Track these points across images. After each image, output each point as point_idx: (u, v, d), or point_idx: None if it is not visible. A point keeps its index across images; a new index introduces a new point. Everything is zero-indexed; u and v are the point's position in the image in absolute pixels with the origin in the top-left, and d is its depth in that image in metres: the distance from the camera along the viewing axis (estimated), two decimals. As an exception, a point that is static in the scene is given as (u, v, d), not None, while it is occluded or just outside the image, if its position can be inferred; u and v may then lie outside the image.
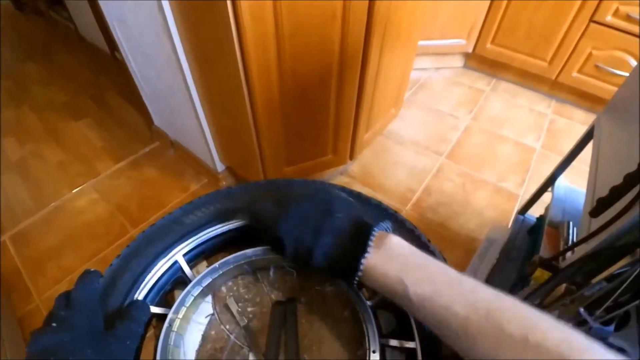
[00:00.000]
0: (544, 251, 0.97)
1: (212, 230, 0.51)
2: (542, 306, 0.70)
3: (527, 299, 0.73)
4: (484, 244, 1.24)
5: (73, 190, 1.59)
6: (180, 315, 0.43)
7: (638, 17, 1.60)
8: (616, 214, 0.54)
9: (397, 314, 0.46)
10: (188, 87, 1.21)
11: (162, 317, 0.44)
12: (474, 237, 1.42)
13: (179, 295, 0.44)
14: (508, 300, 0.30)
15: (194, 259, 0.51)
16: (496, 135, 1.87)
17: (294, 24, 0.94)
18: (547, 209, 1.11)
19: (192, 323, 0.46)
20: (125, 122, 1.93)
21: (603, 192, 0.65)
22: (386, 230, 0.39)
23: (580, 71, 1.89)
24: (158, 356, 0.39)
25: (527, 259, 1.13)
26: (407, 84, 1.73)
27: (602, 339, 0.69)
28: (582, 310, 0.66)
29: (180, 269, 0.49)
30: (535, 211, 1.26)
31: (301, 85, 1.10)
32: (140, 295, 0.45)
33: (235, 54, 0.94)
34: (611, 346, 0.69)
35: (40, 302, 1.24)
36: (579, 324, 0.69)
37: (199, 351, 0.45)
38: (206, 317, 0.48)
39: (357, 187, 1.37)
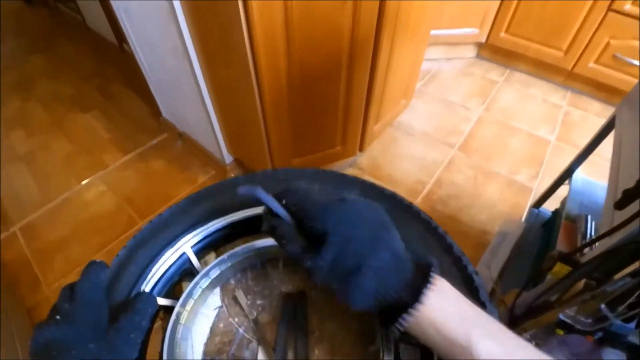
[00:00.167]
0: (560, 245, 0.95)
1: (221, 221, 0.50)
2: (561, 302, 0.67)
3: (545, 294, 0.70)
4: (496, 238, 1.21)
5: (81, 182, 1.59)
6: (187, 308, 0.42)
7: (659, 5, 1.54)
8: (644, 206, 0.51)
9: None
10: (196, 77, 1.20)
11: (169, 310, 0.42)
12: (485, 230, 1.39)
13: (187, 287, 0.43)
14: None
15: (202, 250, 0.50)
16: (509, 127, 1.82)
17: (303, 10, 0.91)
18: (563, 202, 1.08)
19: (200, 315, 0.45)
20: (132, 113, 1.92)
21: (627, 183, 0.62)
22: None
23: (597, 61, 1.83)
24: (165, 349, 0.38)
25: (542, 254, 1.10)
26: (418, 74, 1.69)
27: (623, 336, 0.66)
28: (603, 306, 0.63)
29: (188, 260, 0.48)
30: (548, 206, 1.23)
31: (310, 74, 1.07)
32: (147, 287, 0.44)
33: (244, 42, 0.92)
34: (631, 344, 0.66)
35: (49, 292, 1.25)
36: (599, 320, 0.67)
37: (206, 344, 0.44)
38: (214, 309, 0.46)
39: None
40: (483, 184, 1.55)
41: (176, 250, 0.47)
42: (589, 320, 0.68)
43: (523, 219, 1.38)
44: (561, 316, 0.67)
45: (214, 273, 0.45)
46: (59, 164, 1.68)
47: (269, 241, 0.46)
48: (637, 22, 1.62)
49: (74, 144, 1.77)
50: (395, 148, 1.70)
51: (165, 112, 1.72)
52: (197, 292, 0.44)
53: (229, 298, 0.47)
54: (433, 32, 1.75)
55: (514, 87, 2.07)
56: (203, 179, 1.59)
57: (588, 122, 1.86)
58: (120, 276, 0.43)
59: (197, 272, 0.44)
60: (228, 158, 1.52)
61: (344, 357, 0.43)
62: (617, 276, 0.60)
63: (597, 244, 0.66)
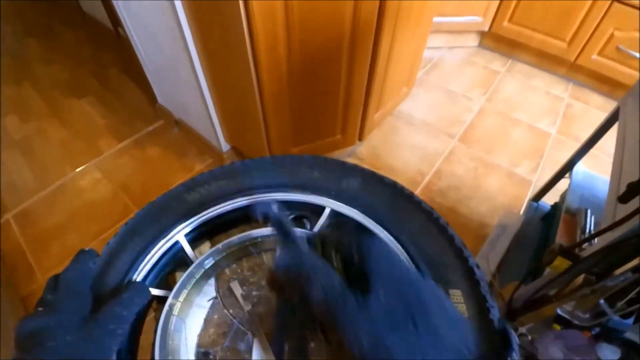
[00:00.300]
0: (560, 239, 0.94)
1: (216, 210, 0.48)
2: (560, 296, 0.66)
3: (543, 288, 0.70)
4: (495, 230, 1.21)
5: (76, 169, 1.57)
6: (181, 299, 0.41)
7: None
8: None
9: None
10: (192, 63, 1.17)
11: (162, 300, 0.41)
12: (484, 222, 1.38)
13: (180, 277, 0.42)
14: None
15: (196, 239, 0.49)
16: (510, 119, 1.80)
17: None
18: (563, 195, 1.07)
19: (194, 306, 0.44)
20: (128, 100, 1.89)
21: (630, 177, 0.60)
22: None
23: (600, 53, 1.80)
24: (157, 341, 0.37)
25: (541, 247, 1.10)
26: (420, 62, 1.66)
27: (620, 332, 0.66)
28: (602, 301, 0.63)
29: (182, 249, 0.46)
30: (547, 199, 1.22)
31: (310, 60, 1.05)
32: (139, 276, 0.43)
33: (242, 26, 0.90)
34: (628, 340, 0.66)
35: (43, 281, 1.24)
36: (597, 315, 0.66)
37: (200, 336, 0.43)
38: (209, 300, 0.45)
39: (366, 170, 1.33)
40: (483, 176, 1.54)
41: (169, 239, 0.46)
42: (587, 316, 0.68)
43: (522, 211, 1.37)
44: (559, 311, 0.67)
45: (209, 263, 0.44)
46: (54, 151, 1.65)
47: (265, 230, 0.44)
48: (641, 13, 1.59)
49: (70, 130, 1.74)
50: (395, 138, 1.68)
51: (161, 99, 1.69)
52: (191, 282, 0.42)
53: (224, 289, 0.46)
54: (436, 19, 1.72)
55: (516, 77, 2.04)
56: (200, 167, 1.57)
57: (589, 115, 1.85)
58: (111, 265, 0.42)
59: (191, 262, 0.43)
60: (225, 146, 1.50)
61: (341, 349, 0.42)
62: (619, 271, 0.59)
63: (597, 238, 0.65)
